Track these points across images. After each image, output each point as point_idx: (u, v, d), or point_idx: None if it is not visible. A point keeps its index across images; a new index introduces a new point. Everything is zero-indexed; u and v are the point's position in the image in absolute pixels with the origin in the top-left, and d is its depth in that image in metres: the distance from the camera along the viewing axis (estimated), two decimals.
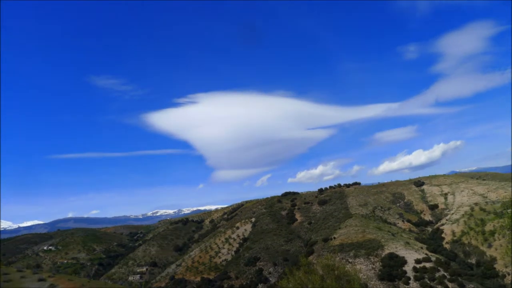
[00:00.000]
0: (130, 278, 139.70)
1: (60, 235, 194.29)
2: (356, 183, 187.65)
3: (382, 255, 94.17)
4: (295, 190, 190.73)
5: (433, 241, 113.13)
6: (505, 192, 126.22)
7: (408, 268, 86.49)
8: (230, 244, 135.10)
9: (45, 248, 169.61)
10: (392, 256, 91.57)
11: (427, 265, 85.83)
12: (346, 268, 24.77)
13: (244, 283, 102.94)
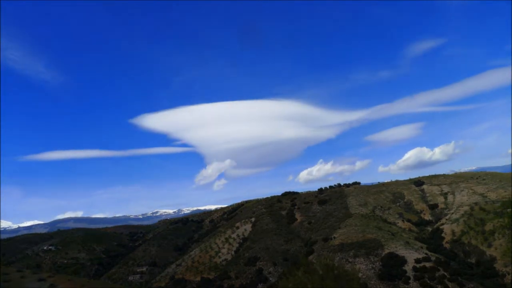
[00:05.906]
0: (130, 278, 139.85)
1: (60, 235, 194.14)
2: (356, 183, 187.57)
3: (382, 255, 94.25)
4: (295, 190, 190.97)
5: (433, 240, 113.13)
6: (505, 191, 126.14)
7: (408, 268, 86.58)
8: (230, 244, 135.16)
9: (45, 248, 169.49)
10: (392, 256, 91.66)
11: (427, 264, 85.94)
12: (346, 268, 24.81)
13: (244, 283, 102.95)
